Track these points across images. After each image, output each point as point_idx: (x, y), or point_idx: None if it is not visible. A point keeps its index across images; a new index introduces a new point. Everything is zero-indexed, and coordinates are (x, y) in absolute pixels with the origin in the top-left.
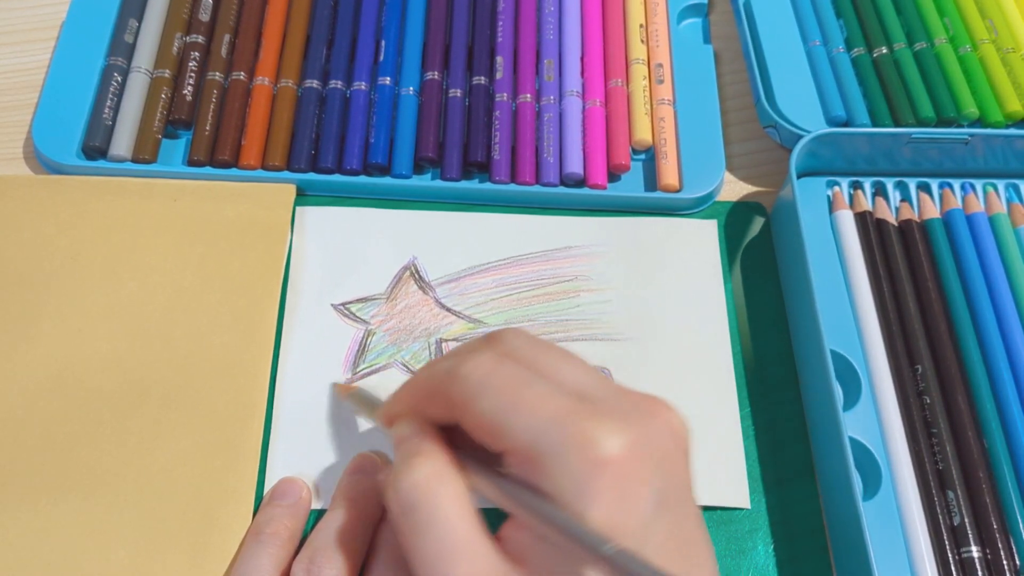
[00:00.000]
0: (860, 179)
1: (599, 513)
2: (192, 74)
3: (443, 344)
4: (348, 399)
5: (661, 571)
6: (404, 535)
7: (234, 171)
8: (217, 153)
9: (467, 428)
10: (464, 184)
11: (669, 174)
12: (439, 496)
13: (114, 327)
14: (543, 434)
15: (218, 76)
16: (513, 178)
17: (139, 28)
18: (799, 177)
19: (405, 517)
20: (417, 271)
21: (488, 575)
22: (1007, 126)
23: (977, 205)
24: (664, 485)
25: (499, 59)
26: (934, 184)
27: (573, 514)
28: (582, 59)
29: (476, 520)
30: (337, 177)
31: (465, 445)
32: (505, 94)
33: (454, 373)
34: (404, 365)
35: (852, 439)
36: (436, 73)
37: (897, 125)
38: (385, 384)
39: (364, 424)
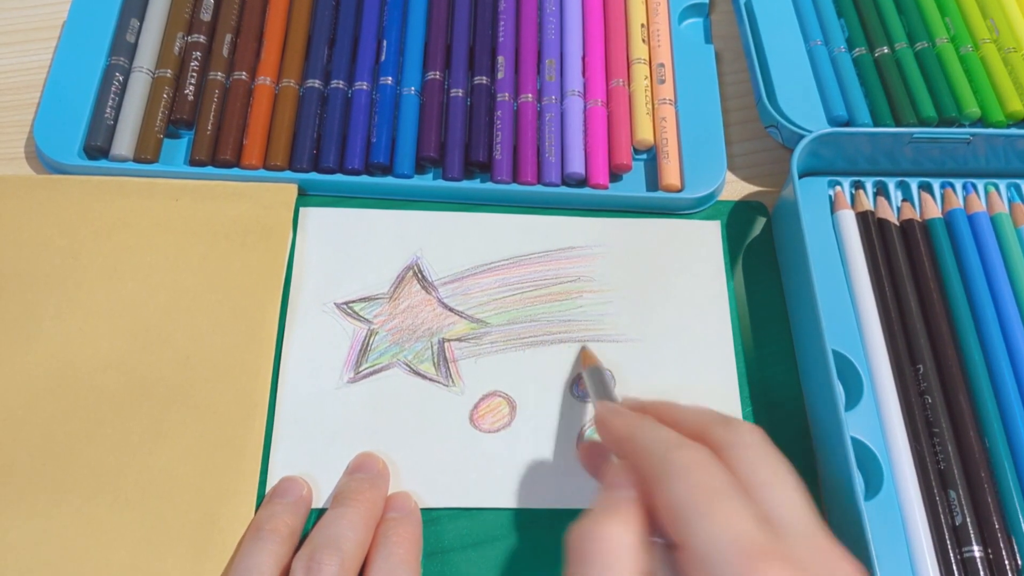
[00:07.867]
0: (862, 179)
1: None
2: (194, 74)
3: (445, 344)
4: (585, 371)
5: None
6: (568, 570)
7: (236, 171)
8: (219, 153)
9: (653, 505)
10: (466, 184)
11: (671, 174)
12: (614, 565)
13: (115, 327)
14: (719, 550)
15: (220, 76)
16: (515, 178)
17: (141, 28)
18: (801, 177)
19: (573, 558)
20: (420, 271)
21: None
22: (1009, 126)
23: (979, 205)
24: None
25: (501, 59)
26: (936, 184)
27: None
28: (583, 59)
29: None
30: (339, 177)
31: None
32: (507, 94)
33: (667, 457)
34: (406, 365)
35: (854, 438)
36: (438, 73)
37: (899, 125)
38: (388, 386)
39: (365, 424)
